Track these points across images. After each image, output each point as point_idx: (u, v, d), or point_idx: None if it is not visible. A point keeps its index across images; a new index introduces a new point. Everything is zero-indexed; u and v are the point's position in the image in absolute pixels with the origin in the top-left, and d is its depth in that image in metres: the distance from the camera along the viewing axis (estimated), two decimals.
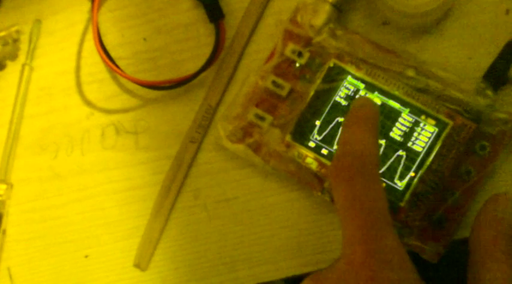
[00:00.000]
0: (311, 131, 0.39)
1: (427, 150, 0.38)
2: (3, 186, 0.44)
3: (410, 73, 0.39)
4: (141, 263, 0.42)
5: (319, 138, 0.39)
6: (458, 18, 0.41)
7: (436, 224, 0.38)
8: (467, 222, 0.39)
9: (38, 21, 0.46)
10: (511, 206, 0.35)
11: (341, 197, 0.30)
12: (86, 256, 0.44)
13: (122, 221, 0.43)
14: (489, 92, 0.38)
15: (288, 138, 0.40)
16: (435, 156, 0.37)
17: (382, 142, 0.38)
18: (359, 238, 0.29)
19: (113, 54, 0.44)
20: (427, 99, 0.38)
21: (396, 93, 0.38)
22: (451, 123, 0.37)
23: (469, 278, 0.33)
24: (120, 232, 0.43)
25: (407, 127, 0.38)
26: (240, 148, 0.41)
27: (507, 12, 0.40)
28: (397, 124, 0.38)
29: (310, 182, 0.40)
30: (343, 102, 0.39)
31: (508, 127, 0.38)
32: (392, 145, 0.38)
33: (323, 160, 0.39)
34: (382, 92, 0.38)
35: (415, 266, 0.30)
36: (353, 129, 0.32)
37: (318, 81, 0.40)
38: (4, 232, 0.44)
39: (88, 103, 0.45)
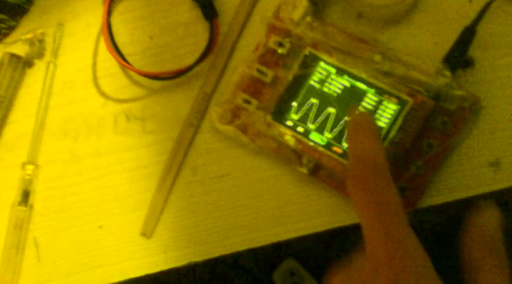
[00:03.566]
0: (289, 111, 0.44)
1: (390, 126, 0.42)
2: (31, 167, 0.51)
3: (377, 58, 0.44)
4: (146, 232, 0.48)
5: (295, 118, 0.44)
6: (426, 8, 0.45)
7: (399, 191, 0.42)
8: (430, 193, 0.43)
9: (60, 25, 0.53)
10: (495, 220, 0.37)
11: (360, 201, 0.33)
12: (100, 227, 0.50)
13: (131, 196, 0.49)
14: (447, 73, 0.42)
15: (269, 118, 0.45)
16: (397, 131, 0.42)
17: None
18: (381, 240, 0.31)
19: (123, 51, 0.51)
20: (390, 80, 0.43)
21: (363, 76, 0.43)
22: (411, 101, 0.42)
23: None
24: (129, 206, 0.49)
25: (372, 105, 0.43)
26: (229, 129, 0.47)
27: (470, 0, 0.45)
28: (364, 103, 0.43)
29: (290, 158, 0.45)
30: (317, 86, 0.44)
31: (467, 104, 0.42)
32: None
33: (299, 137, 0.44)
34: (351, 75, 0.43)
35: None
36: (360, 139, 0.36)
37: (296, 67, 0.45)
38: (31, 206, 0.51)
39: (103, 94, 0.51)
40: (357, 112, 0.40)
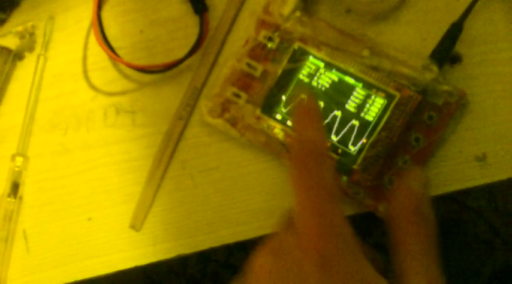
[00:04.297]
0: (278, 105, 0.45)
1: (377, 120, 0.43)
2: (21, 159, 0.51)
3: (365, 53, 0.44)
4: (136, 225, 0.48)
5: (285, 111, 0.45)
6: (414, 4, 0.46)
7: (386, 185, 0.43)
8: None
9: (51, 18, 0.53)
10: (420, 183, 0.38)
11: (296, 175, 0.34)
12: (89, 219, 0.50)
13: (120, 189, 0.50)
14: (434, 68, 0.43)
15: (258, 111, 0.45)
16: (384, 124, 0.42)
17: (338, 113, 0.43)
18: (311, 210, 0.32)
19: (114, 44, 0.51)
20: (378, 75, 0.43)
21: (351, 70, 0.43)
22: (398, 95, 0.42)
23: (392, 252, 0.36)
24: (118, 198, 0.49)
25: (360, 99, 0.43)
26: (219, 122, 0.47)
27: None
28: (352, 97, 0.43)
29: (279, 151, 0.45)
30: (306, 80, 0.44)
31: (454, 99, 0.42)
32: (347, 115, 0.43)
33: (288, 130, 0.44)
34: (339, 69, 0.44)
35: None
36: (303, 122, 0.36)
37: (285, 61, 0.45)
38: (21, 198, 0.51)
39: (92, 87, 0.52)
40: (304, 95, 0.41)
